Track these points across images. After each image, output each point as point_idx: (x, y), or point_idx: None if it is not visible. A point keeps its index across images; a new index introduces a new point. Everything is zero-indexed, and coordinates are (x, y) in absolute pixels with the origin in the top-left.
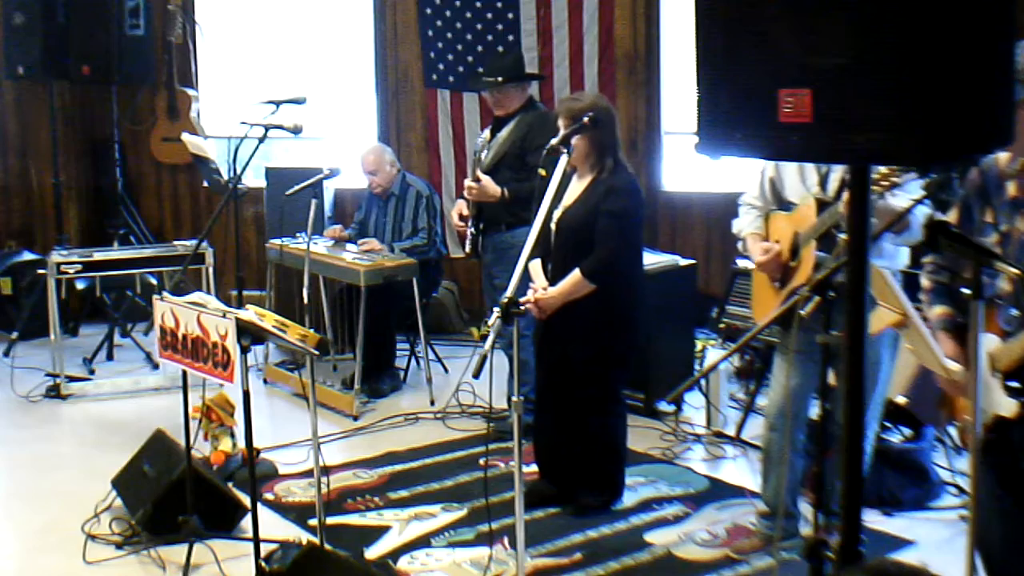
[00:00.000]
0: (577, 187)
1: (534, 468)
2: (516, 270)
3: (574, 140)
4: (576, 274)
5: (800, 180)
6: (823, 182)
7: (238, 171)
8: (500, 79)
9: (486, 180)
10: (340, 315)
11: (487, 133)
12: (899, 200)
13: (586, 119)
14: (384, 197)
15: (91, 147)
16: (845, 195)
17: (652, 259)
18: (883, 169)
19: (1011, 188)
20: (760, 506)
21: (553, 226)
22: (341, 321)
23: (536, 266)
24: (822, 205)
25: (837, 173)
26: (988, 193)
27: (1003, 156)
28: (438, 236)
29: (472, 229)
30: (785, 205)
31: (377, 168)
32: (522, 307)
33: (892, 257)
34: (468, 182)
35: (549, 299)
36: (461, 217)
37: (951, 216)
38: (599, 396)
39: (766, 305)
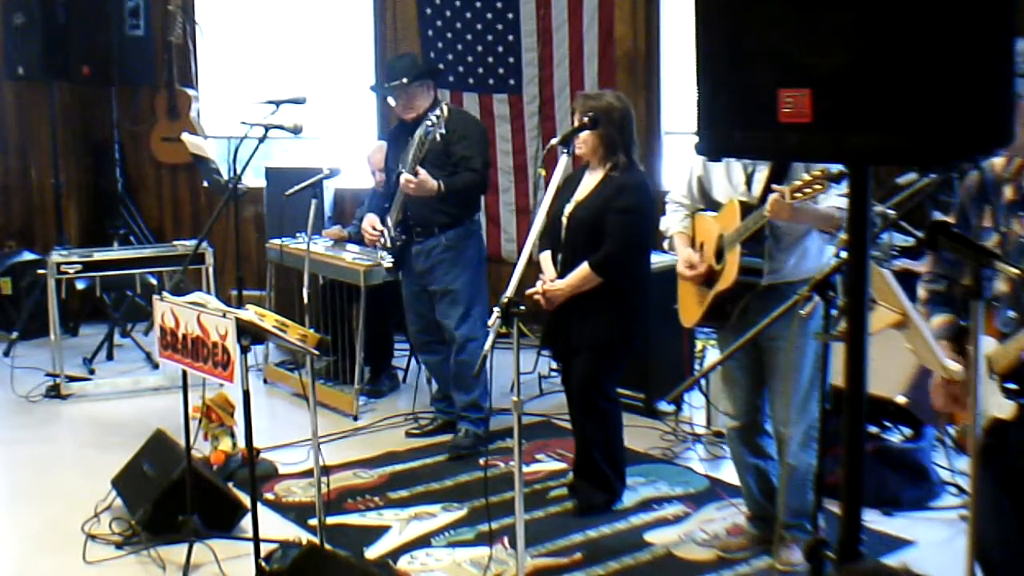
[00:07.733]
0: (589, 182)
1: (534, 468)
2: (516, 268)
3: (582, 135)
4: (584, 267)
5: (727, 180)
6: (748, 182)
7: (238, 171)
8: (405, 80)
9: (424, 174)
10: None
11: (384, 147)
12: (830, 199)
13: (585, 119)
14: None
15: (91, 147)
16: (771, 197)
17: (652, 259)
18: (805, 176)
19: (1008, 191)
20: (745, 509)
21: (564, 220)
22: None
23: (546, 258)
24: (746, 208)
25: (762, 173)
26: (986, 196)
27: (998, 160)
28: None
29: (392, 238)
30: (713, 205)
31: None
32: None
33: (818, 258)
34: (406, 176)
35: (556, 291)
36: (375, 228)
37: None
38: (593, 394)
39: (692, 306)
